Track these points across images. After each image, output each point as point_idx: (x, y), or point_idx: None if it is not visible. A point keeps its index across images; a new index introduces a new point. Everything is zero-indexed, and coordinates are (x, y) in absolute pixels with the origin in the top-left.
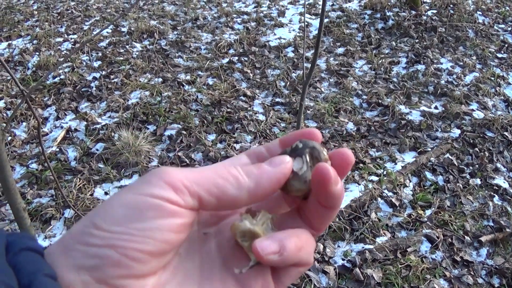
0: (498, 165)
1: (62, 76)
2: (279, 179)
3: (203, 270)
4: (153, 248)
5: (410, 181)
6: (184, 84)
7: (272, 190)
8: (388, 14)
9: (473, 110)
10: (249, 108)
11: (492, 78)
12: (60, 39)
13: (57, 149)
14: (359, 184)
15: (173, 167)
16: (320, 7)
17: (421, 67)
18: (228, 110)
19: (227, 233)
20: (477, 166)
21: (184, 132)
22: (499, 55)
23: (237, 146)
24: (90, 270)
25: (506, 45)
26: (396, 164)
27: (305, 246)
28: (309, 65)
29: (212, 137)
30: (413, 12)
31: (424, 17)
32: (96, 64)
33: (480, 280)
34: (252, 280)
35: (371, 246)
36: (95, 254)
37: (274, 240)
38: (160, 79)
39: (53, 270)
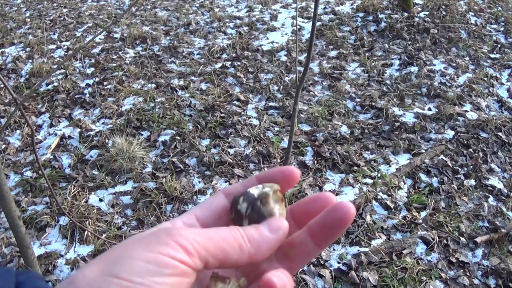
0: (493, 165)
1: (55, 83)
2: (276, 245)
3: None
4: None
5: (405, 183)
6: (178, 90)
7: (269, 254)
8: (380, 16)
9: (466, 111)
10: (242, 113)
11: (485, 79)
12: (53, 46)
13: (51, 157)
14: (354, 187)
15: (184, 227)
16: (312, 10)
17: (414, 69)
18: (222, 115)
19: (205, 282)
20: (471, 167)
21: (178, 138)
22: (492, 56)
23: (231, 151)
24: None
25: (499, 46)
26: (390, 166)
27: None
28: (302, 69)
29: (206, 142)
30: (405, 14)
31: (417, 19)
32: (89, 70)
33: (476, 281)
34: None
35: (366, 249)
36: None
37: None
38: (153, 85)
39: None
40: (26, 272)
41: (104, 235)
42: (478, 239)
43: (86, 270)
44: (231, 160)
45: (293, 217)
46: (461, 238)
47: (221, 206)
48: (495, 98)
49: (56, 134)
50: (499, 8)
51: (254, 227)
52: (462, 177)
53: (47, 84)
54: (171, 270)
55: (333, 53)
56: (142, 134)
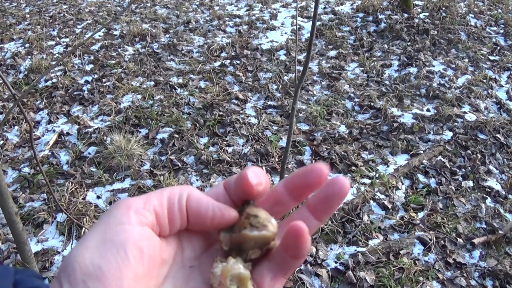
0: (491, 167)
1: (54, 80)
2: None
3: None
4: (133, 272)
5: (403, 184)
6: (176, 88)
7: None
8: (380, 17)
9: (465, 112)
10: (241, 111)
11: (484, 81)
12: (52, 43)
13: (49, 153)
14: (352, 187)
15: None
16: (312, 10)
17: (413, 69)
18: (220, 113)
19: (208, 264)
20: (469, 168)
21: (176, 136)
22: (491, 58)
23: (229, 150)
24: None
25: (498, 48)
26: (388, 166)
27: None
28: (301, 68)
29: (204, 140)
30: (405, 15)
31: (416, 20)
32: (88, 67)
33: (473, 282)
34: None
35: (363, 249)
36: None
37: None
38: (152, 83)
39: None
40: (24, 271)
41: None
42: (476, 240)
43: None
44: (229, 159)
45: (288, 191)
46: (458, 239)
47: (219, 194)
48: (494, 100)
49: (54, 131)
50: (499, 10)
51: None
52: (460, 178)
53: (46, 81)
54: (126, 235)
55: (333, 53)
56: (140, 132)
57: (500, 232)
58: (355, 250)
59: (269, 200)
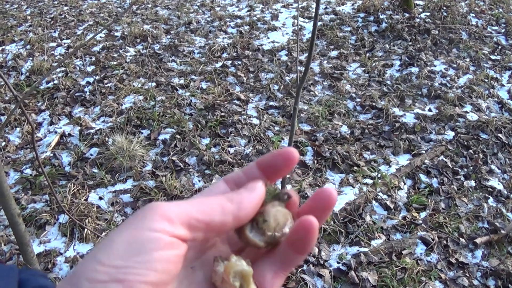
0: (493, 166)
1: (55, 81)
2: (257, 202)
3: None
4: (155, 279)
5: (405, 184)
6: (178, 88)
7: (253, 212)
8: (381, 17)
9: (467, 112)
10: (243, 112)
11: (486, 80)
12: (54, 44)
13: (51, 154)
14: (354, 187)
15: (164, 202)
16: (313, 10)
17: (414, 69)
18: (222, 114)
19: (209, 265)
20: (471, 168)
21: (178, 136)
22: (493, 57)
23: (231, 150)
24: None
25: (500, 47)
26: (390, 166)
27: None
28: (302, 69)
29: (206, 141)
30: (406, 15)
31: (418, 20)
32: (89, 68)
33: (475, 282)
34: None
35: (366, 249)
36: None
37: None
38: (154, 84)
39: None
40: (28, 270)
41: (103, 233)
42: (478, 240)
43: (79, 262)
44: (231, 159)
45: (261, 170)
46: (460, 239)
47: (221, 191)
48: (496, 99)
49: (56, 132)
50: (500, 10)
51: (233, 192)
52: (462, 178)
53: (48, 82)
54: (154, 244)
55: (334, 53)
56: (142, 133)
57: (502, 231)
58: (358, 250)
59: (243, 178)
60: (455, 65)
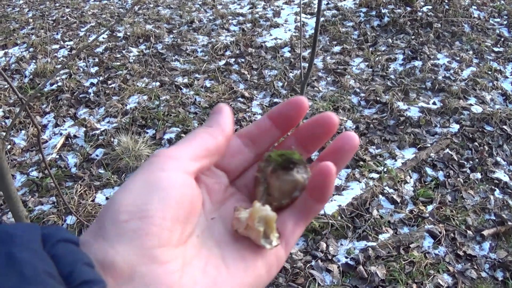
0: (498, 158)
1: (59, 83)
2: (229, 116)
3: (220, 246)
4: (173, 214)
5: (411, 177)
6: (182, 87)
7: (231, 124)
8: (383, 11)
9: (471, 104)
10: (247, 109)
11: (489, 72)
12: (57, 46)
13: (57, 156)
14: (360, 182)
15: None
16: (315, 6)
17: (418, 63)
18: None
19: (228, 216)
20: (477, 160)
21: (183, 135)
22: (496, 49)
23: None
24: (127, 246)
25: (502, 39)
26: (396, 160)
27: None
28: (306, 65)
29: None
30: (408, 9)
31: (420, 13)
32: (93, 70)
33: (483, 274)
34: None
35: (374, 243)
36: (127, 229)
37: None
38: (158, 83)
39: (91, 260)
40: (49, 226)
41: None
42: (485, 232)
43: (100, 211)
44: None
45: (298, 142)
46: (468, 231)
47: (234, 146)
48: (500, 91)
49: (61, 134)
50: (502, 2)
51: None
52: (468, 171)
53: (51, 84)
54: (168, 181)
55: (337, 49)
56: (147, 132)
57: (509, 223)
58: (365, 245)
59: (256, 131)
60: (458, 58)
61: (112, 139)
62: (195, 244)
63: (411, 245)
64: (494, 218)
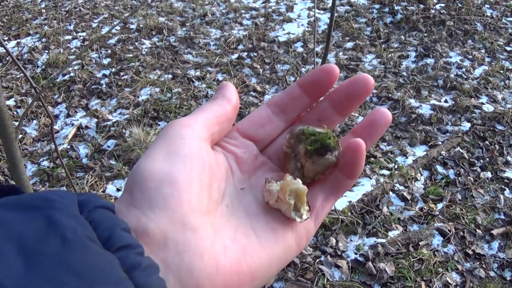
0: (509, 158)
1: (72, 74)
2: (233, 87)
3: (250, 216)
4: (198, 178)
5: (421, 175)
6: (194, 80)
7: (236, 94)
8: (396, 8)
9: (482, 103)
10: (259, 104)
11: (501, 71)
12: (69, 37)
13: (68, 146)
14: (371, 178)
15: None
16: (328, 1)
17: (430, 60)
18: (239, 105)
19: (259, 186)
20: (487, 159)
21: None
22: (508, 48)
23: None
24: (159, 213)
25: None
26: (407, 158)
27: None
28: (319, 60)
29: None
30: (421, 6)
31: (433, 11)
32: (105, 61)
33: (492, 273)
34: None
35: (383, 240)
36: (157, 196)
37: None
38: (170, 76)
39: (128, 225)
40: (85, 193)
41: None
42: (494, 232)
43: (125, 183)
44: None
45: (333, 105)
46: (477, 230)
47: (264, 115)
48: (511, 90)
49: (73, 124)
50: None
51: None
52: (479, 170)
53: (64, 75)
54: (188, 147)
55: (349, 45)
56: (159, 125)
57: None
58: (375, 241)
59: (285, 99)
60: (470, 56)
61: (123, 131)
62: (224, 213)
63: (421, 243)
64: (504, 217)
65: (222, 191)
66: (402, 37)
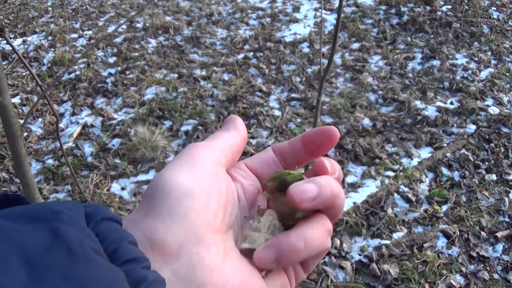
0: None
1: (77, 72)
2: (241, 122)
3: None
4: (217, 198)
5: (426, 177)
6: (200, 80)
7: (244, 128)
8: (403, 9)
9: (488, 105)
10: (265, 104)
11: (507, 74)
12: (75, 35)
13: (73, 145)
14: (376, 180)
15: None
16: (335, 2)
17: (436, 62)
18: (244, 105)
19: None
20: (492, 161)
21: (201, 128)
22: None
23: (253, 142)
24: (178, 224)
25: None
26: (412, 159)
27: (340, 195)
28: (325, 61)
29: None
30: (428, 8)
31: (439, 13)
32: (111, 60)
33: (496, 276)
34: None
35: (387, 242)
36: (178, 207)
37: (311, 183)
38: (176, 75)
39: (134, 238)
40: (92, 205)
41: None
42: (499, 234)
43: (143, 195)
44: (253, 151)
45: (304, 144)
46: (481, 232)
47: (269, 156)
48: None
49: (78, 123)
50: None
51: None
52: (484, 172)
53: (69, 73)
54: (208, 164)
55: (356, 46)
56: (164, 124)
57: None
58: (379, 242)
59: (288, 149)
60: (476, 59)
61: (128, 129)
62: (234, 236)
63: (425, 245)
64: (508, 220)
65: (234, 215)
66: (409, 38)
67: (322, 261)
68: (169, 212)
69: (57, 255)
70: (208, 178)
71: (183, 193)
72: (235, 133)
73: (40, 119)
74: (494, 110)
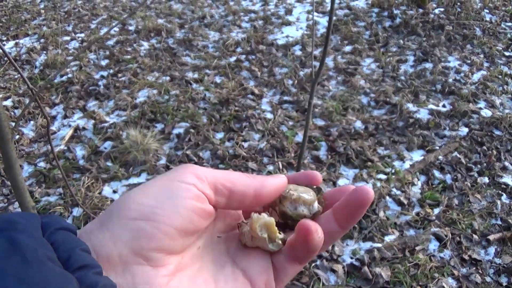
0: (506, 163)
1: (69, 75)
2: (279, 186)
3: (216, 264)
4: (179, 224)
5: (418, 180)
6: (192, 83)
7: (273, 194)
8: (395, 12)
9: (480, 108)
10: (257, 107)
11: (500, 77)
12: (68, 38)
13: (65, 148)
14: (368, 183)
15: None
16: (328, 5)
17: (428, 65)
18: (236, 108)
19: (235, 240)
20: (485, 164)
21: (192, 131)
22: (507, 53)
23: (245, 145)
24: (126, 243)
25: None
26: (404, 162)
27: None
28: (317, 64)
29: (220, 135)
30: (421, 10)
31: (432, 15)
32: (103, 62)
33: (488, 279)
34: (258, 277)
35: (379, 245)
36: (131, 227)
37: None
38: (168, 78)
39: (88, 246)
40: (48, 215)
41: None
42: (491, 237)
43: (111, 204)
44: (245, 154)
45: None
46: (473, 235)
47: None
48: (509, 95)
49: (70, 126)
50: None
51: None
52: (476, 175)
53: (61, 76)
54: (184, 192)
55: (348, 48)
56: (156, 127)
57: None
58: (371, 245)
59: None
60: (469, 61)
61: (120, 132)
62: (193, 254)
63: (417, 248)
64: (500, 223)
65: (200, 235)
66: (401, 41)
67: (313, 264)
68: (122, 231)
69: (13, 262)
70: (177, 203)
71: (140, 214)
72: (255, 179)
73: (32, 122)
74: (486, 112)
